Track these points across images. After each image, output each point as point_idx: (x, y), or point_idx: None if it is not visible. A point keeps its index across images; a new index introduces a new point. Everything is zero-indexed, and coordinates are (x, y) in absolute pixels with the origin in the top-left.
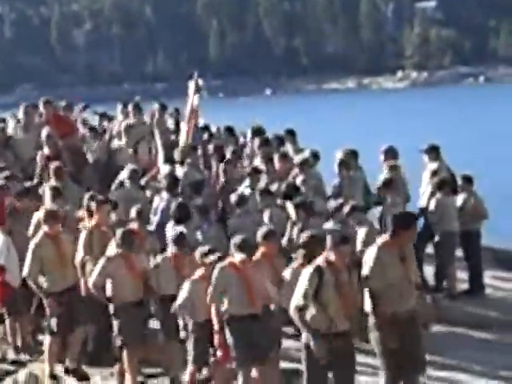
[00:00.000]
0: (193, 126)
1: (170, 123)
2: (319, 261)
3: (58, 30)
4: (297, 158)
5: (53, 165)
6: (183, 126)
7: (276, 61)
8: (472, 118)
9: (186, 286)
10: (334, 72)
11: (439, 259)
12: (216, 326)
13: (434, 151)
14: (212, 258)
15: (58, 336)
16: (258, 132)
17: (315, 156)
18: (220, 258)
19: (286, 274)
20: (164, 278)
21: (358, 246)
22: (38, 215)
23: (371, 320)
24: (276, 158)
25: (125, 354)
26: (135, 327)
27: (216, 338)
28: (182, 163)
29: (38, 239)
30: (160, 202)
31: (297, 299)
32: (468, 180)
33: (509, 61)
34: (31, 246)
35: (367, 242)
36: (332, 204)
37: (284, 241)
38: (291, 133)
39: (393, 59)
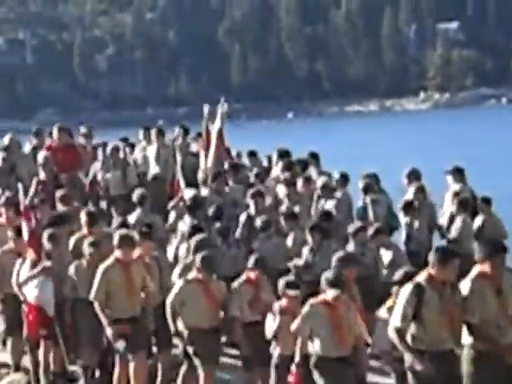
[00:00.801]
0: (219, 151)
1: (193, 147)
2: (420, 278)
3: (81, 55)
4: (319, 181)
5: (59, 192)
6: (208, 150)
7: (298, 84)
8: (495, 140)
9: (272, 318)
10: (356, 95)
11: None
12: (297, 359)
13: (458, 173)
14: (294, 293)
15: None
16: (283, 155)
17: (345, 178)
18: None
19: (382, 312)
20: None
21: (384, 270)
22: (75, 239)
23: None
24: (300, 181)
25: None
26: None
27: (293, 371)
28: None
29: (108, 263)
30: (184, 225)
31: (396, 320)
32: (487, 201)
33: None
34: (100, 269)
35: (393, 265)
36: (351, 227)
37: (300, 264)
38: (315, 156)
39: (415, 81)
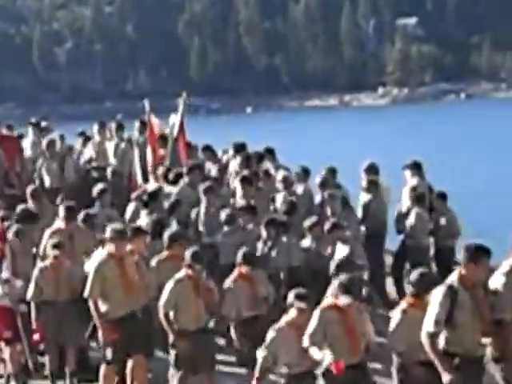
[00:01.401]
0: (180, 145)
1: None
2: (452, 279)
3: (40, 48)
4: (278, 175)
5: (29, 188)
6: (170, 145)
7: (257, 79)
8: (453, 135)
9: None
10: (315, 89)
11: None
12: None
13: (415, 167)
14: (303, 305)
15: (114, 365)
16: (239, 149)
17: (306, 172)
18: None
19: (395, 316)
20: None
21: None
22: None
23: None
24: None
25: None
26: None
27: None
28: (174, 182)
29: (102, 259)
30: (142, 220)
31: (428, 325)
32: (442, 197)
33: (489, 77)
34: (94, 265)
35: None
36: (307, 221)
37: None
38: (270, 151)
39: (374, 76)
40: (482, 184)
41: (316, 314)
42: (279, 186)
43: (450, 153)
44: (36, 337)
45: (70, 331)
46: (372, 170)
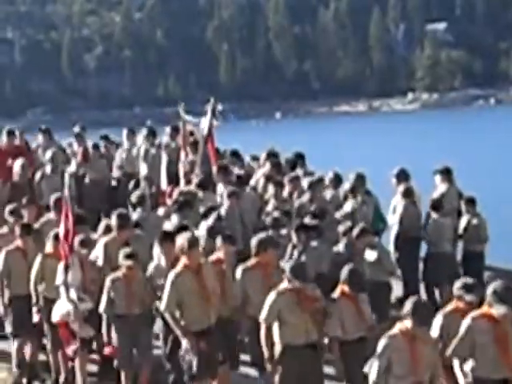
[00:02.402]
0: (208, 150)
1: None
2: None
3: (69, 54)
4: (306, 181)
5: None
6: (201, 150)
7: (286, 84)
8: (483, 141)
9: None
10: (344, 95)
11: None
12: None
13: (446, 173)
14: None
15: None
16: (271, 155)
17: (338, 178)
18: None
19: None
20: None
21: (368, 269)
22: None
23: None
24: (286, 181)
25: None
26: None
27: None
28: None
29: (177, 270)
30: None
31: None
32: (471, 202)
33: None
34: (170, 277)
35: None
36: (341, 227)
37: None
38: (301, 156)
39: (403, 81)
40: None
41: (466, 322)
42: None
43: (480, 158)
44: (108, 350)
45: (145, 348)
46: (402, 175)
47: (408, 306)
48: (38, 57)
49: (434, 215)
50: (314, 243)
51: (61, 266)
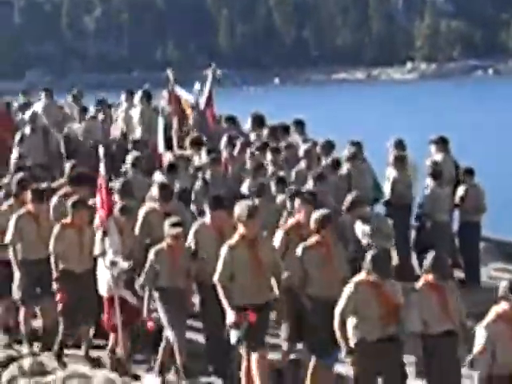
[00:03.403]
0: (211, 116)
1: None
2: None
3: (68, 16)
4: (302, 148)
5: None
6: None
7: (286, 51)
8: (481, 111)
9: None
10: (343, 63)
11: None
12: None
13: (441, 143)
14: None
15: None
16: (258, 121)
17: (330, 145)
18: None
19: (414, 297)
20: None
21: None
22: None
23: None
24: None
25: None
26: None
27: None
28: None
29: (232, 241)
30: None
31: None
32: (469, 172)
33: None
34: (224, 248)
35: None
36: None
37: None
38: (299, 123)
39: (402, 50)
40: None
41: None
42: (302, 158)
43: (478, 128)
44: (150, 325)
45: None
46: (399, 146)
47: (428, 260)
48: (37, 18)
49: (431, 184)
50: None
51: (98, 236)
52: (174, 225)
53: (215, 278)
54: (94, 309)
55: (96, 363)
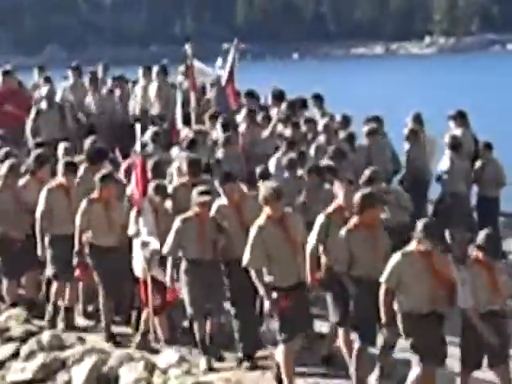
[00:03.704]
0: (232, 92)
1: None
2: None
3: None
4: (321, 123)
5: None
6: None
7: (304, 26)
8: (498, 85)
9: None
10: (361, 37)
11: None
12: None
13: (460, 117)
14: None
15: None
16: (279, 96)
17: (346, 120)
18: None
19: (465, 273)
20: None
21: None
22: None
23: None
24: (302, 122)
25: None
26: None
27: None
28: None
29: (260, 222)
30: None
31: None
32: (488, 146)
33: None
34: (253, 230)
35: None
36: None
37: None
38: (318, 97)
39: (421, 25)
40: None
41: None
42: (321, 133)
43: (496, 103)
44: (170, 295)
45: (217, 298)
46: (417, 120)
47: (481, 237)
48: None
49: (451, 155)
50: (327, 186)
51: (133, 215)
52: (202, 193)
53: (245, 262)
54: (124, 284)
55: (116, 340)
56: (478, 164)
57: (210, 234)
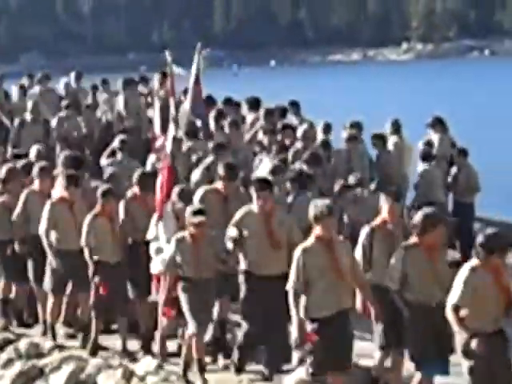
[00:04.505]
0: (198, 97)
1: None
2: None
3: None
4: (300, 130)
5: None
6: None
7: (281, 32)
8: (477, 92)
9: None
10: (339, 44)
11: None
12: None
13: (438, 123)
14: None
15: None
16: (254, 104)
17: (327, 128)
18: None
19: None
20: None
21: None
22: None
23: None
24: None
25: None
26: None
27: None
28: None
29: (307, 243)
30: None
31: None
32: (463, 152)
33: None
34: (299, 250)
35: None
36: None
37: None
38: (295, 104)
39: (398, 31)
40: (506, 138)
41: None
42: (299, 140)
43: (474, 109)
44: (169, 314)
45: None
46: (393, 127)
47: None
48: (32, 0)
49: (423, 166)
50: (309, 193)
51: (153, 220)
52: (196, 212)
53: (289, 285)
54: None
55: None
56: (453, 170)
57: (206, 253)
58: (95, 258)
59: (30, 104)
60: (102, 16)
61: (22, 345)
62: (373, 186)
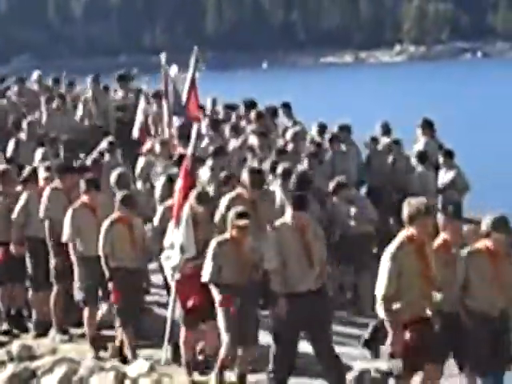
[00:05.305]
0: (194, 103)
1: None
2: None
3: (56, 1)
4: (289, 132)
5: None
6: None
7: (273, 35)
8: (469, 94)
9: None
10: (331, 46)
11: None
12: None
13: (426, 126)
14: None
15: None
16: (250, 106)
17: (323, 128)
18: None
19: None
20: None
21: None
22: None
23: None
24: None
25: None
26: None
27: None
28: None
29: (397, 243)
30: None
31: None
32: (449, 154)
33: (506, 36)
34: (388, 256)
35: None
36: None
37: None
38: (287, 106)
39: (391, 33)
40: (498, 140)
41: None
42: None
43: (466, 111)
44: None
45: (253, 329)
46: (384, 129)
47: (487, 221)
48: (24, 3)
49: (419, 168)
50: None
51: (171, 226)
52: (240, 215)
53: (379, 292)
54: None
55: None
56: (440, 173)
57: (247, 259)
58: (112, 264)
59: (24, 124)
60: (94, 19)
61: (15, 347)
62: (364, 190)
